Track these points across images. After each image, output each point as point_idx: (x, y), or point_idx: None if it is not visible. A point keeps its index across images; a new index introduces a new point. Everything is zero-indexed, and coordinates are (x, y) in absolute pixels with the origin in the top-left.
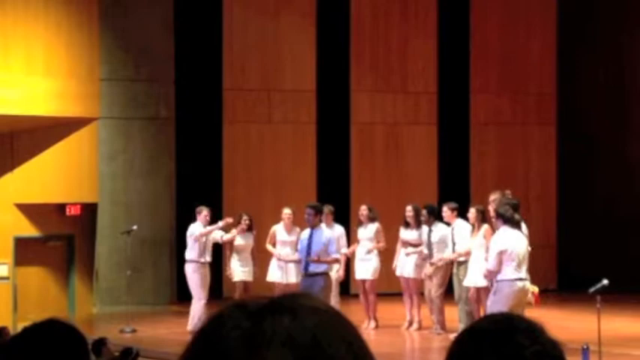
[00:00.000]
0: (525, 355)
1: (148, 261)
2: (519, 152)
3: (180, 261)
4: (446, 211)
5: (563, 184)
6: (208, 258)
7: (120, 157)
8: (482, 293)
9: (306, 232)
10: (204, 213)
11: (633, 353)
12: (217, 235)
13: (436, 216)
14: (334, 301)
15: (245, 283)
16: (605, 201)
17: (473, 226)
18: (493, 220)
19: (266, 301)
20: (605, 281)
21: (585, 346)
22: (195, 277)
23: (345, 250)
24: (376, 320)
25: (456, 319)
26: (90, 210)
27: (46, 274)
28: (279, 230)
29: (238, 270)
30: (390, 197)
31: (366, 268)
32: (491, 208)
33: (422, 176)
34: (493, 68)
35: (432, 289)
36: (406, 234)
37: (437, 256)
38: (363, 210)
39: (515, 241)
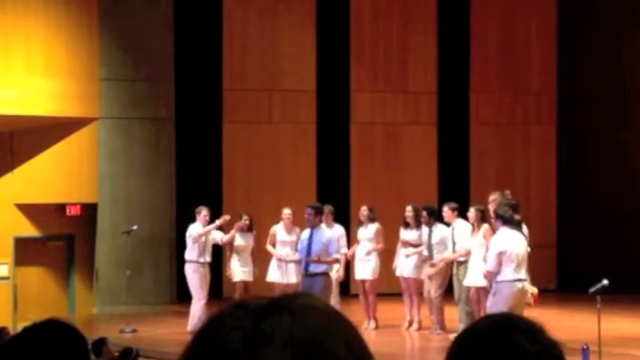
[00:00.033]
0: (525, 356)
1: (148, 261)
2: (519, 152)
3: (180, 261)
4: (446, 211)
5: (563, 184)
6: (208, 258)
7: (120, 157)
8: (482, 293)
9: (307, 232)
10: (203, 213)
11: (633, 353)
12: (217, 236)
13: (436, 217)
14: (334, 301)
15: (245, 283)
16: (605, 200)
17: (473, 225)
18: (492, 220)
19: (266, 301)
20: (605, 281)
21: (585, 346)
22: (195, 278)
23: (345, 250)
24: (376, 320)
25: (456, 319)
26: (90, 210)
27: (46, 274)
28: (279, 230)
29: (238, 270)
30: (390, 197)
31: (365, 269)
32: (491, 208)
33: (422, 176)
34: (493, 68)
35: (432, 289)
36: (406, 234)
37: (437, 257)
38: (364, 210)
39: (514, 242)
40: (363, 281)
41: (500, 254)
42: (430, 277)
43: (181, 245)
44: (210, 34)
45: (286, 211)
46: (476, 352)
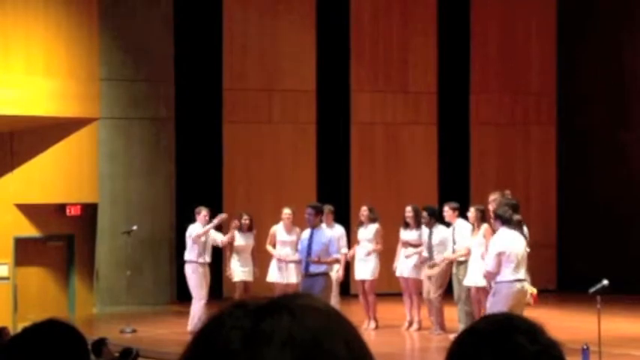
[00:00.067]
0: (525, 356)
1: (148, 261)
2: (519, 152)
3: (180, 261)
4: (447, 210)
5: (563, 184)
6: (208, 258)
7: (120, 157)
8: (482, 293)
9: (307, 232)
10: (203, 213)
11: (633, 353)
12: (217, 238)
13: (436, 218)
14: (334, 301)
15: (245, 284)
16: (605, 201)
17: (473, 225)
18: (492, 221)
19: (266, 301)
20: (605, 281)
21: (585, 346)
22: (195, 278)
23: (345, 250)
24: (376, 320)
25: (456, 319)
26: (90, 210)
27: (46, 274)
28: (279, 230)
29: (238, 270)
30: (390, 197)
31: (365, 269)
32: (491, 208)
33: (422, 176)
34: (493, 68)
35: (431, 290)
36: (406, 234)
37: (437, 258)
38: (364, 210)
39: (513, 242)
40: (363, 281)
41: (500, 255)
42: (430, 278)
43: (181, 245)
44: (210, 34)
45: (286, 211)
46: (476, 352)
